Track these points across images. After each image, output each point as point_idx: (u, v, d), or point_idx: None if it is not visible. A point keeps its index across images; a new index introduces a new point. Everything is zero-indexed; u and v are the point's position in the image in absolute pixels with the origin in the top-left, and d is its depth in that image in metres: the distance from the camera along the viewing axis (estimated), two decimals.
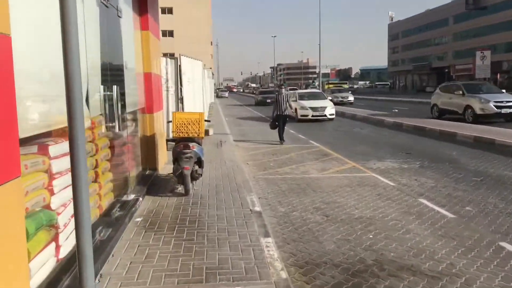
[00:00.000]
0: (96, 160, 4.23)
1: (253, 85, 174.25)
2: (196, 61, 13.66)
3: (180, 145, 6.55)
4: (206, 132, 14.39)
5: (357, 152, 11.97)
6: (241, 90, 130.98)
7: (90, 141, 4.05)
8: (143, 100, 7.46)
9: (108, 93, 4.77)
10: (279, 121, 13.55)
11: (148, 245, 4.45)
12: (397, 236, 5.27)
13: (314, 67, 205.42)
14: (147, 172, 7.55)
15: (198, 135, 6.78)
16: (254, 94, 46.29)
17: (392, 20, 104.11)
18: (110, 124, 4.80)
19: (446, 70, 76.51)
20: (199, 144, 6.96)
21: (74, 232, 2.49)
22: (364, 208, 6.48)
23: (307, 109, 21.41)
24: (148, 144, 7.70)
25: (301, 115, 21.47)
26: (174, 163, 6.70)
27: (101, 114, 4.63)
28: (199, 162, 6.76)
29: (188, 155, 6.42)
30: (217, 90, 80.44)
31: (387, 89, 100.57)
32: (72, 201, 2.69)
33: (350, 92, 41.80)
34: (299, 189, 7.72)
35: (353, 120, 22.64)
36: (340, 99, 37.00)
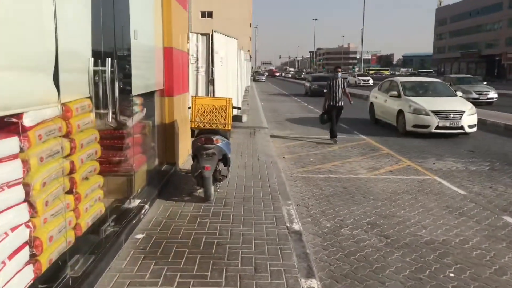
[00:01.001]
0: (72, 161, 2.99)
1: (291, 69, 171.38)
2: (231, 39, 12.33)
3: (201, 138, 5.22)
4: (239, 119, 13.11)
5: (409, 147, 10.37)
6: (282, 75, 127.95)
7: (60, 136, 2.81)
8: (161, 81, 6.20)
9: (103, 68, 3.52)
10: (331, 114, 10.66)
11: (143, 283, 3.19)
12: (490, 277, 3.81)
13: (355, 53, 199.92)
14: (164, 168, 6.32)
15: (224, 126, 5.44)
16: (305, 80, 38.87)
17: (440, 4, 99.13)
18: (102, 111, 3.55)
19: (497, 58, 72.14)
20: (226, 137, 5.62)
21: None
22: (433, 227, 5.01)
23: (427, 115, 11.77)
24: (167, 134, 6.48)
25: (415, 125, 11.93)
26: (193, 160, 5.44)
27: (89, 97, 3.39)
28: (225, 160, 5.44)
29: (211, 151, 5.11)
30: (254, 74, 79.33)
31: (431, 77, 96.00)
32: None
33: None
34: (346, 194, 6.30)
35: None
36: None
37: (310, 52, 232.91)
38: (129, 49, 4.46)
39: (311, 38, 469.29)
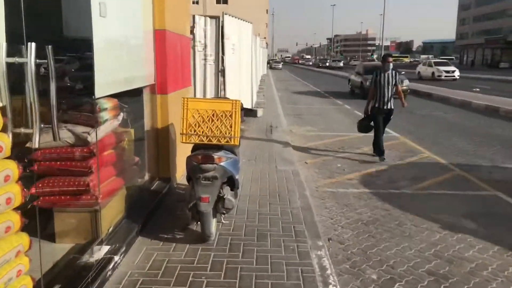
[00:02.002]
0: None
1: (308, 56, 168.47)
2: (245, 23, 10.86)
3: (197, 155, 3.81)
4: (254, 114, 11.67)
5: (453, 148, 8.82)
6: (298, 62, 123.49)
7: None
8: (151, 74, 4.80)
9: (20, 60, 2.14)
10: (376, 120, 7.98)
11: None
12: None
13: (374, 39, 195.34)
14: (155, 186, 4.94)
15: (229, 140, 4.01)
16: (354, 73, 22.74)
17: None
18: (24, 130, 2.18)
19: None
20: (233, 152, 4.18)
21: None
22: None
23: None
24: (160, 141, 5.09)
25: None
26: (188, 182, 4.05)
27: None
28: (231, 183, 4.02)
29: (210, 174, 3.67)
30: (271, 61, 77.70)
31: (455, 63, 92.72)
32: None
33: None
34: (391, 221, 4.85)
35: (429, 100, 19.01)
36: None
37: (327, 39, 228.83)
38: (89, 31, 3.05)
39: (328, 25, 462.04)
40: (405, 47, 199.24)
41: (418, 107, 16.29)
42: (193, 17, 8.90)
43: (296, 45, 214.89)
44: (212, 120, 3.89)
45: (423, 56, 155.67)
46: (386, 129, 10.96)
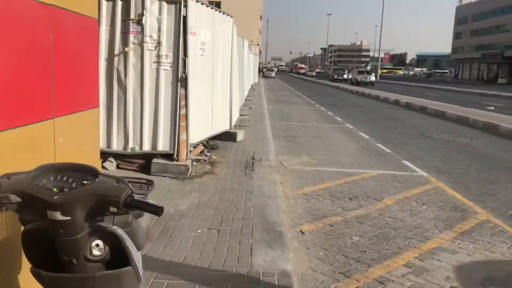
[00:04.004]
0: None
1: (302, 65, 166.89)
2: (223, 15, 8.01)
3: None
4: (233, 137, 8.80)
5: (509, 198, 6.06)
6: (303, 72, 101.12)
7: None
8: None
9: None
10: None
11: None
12: None
13: (368, 50, 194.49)
14: None
15: None
16: None
17: (461, 2, 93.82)
18: None
19: None
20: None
21: None
22: None
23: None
24: None
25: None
26: None
27: None
28: None
29: None
30: (264, 69, 75.24)
31: (449, 77, 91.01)
32: None
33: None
34: None
35: (444, 121, 16.30)
36: None
37: (321, 49, 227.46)
38: None
39: (322, 35, 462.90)
40: (398, 59, 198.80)
41: (433, 129, 13.56)
42: None
43: (290, 53, 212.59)
44: None
45: (417, 69, 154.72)
46: (406, 163, 8.25)
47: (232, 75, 8.97)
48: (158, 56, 6.28)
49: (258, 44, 71.04)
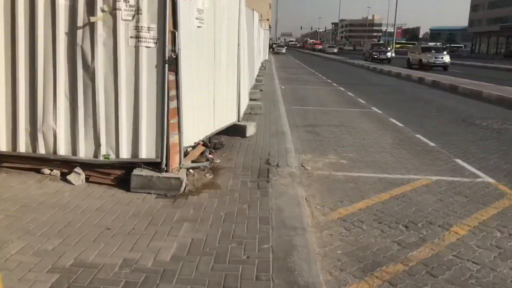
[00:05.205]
0: None
1: (312, 41, 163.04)
2: None
3: None
4: (242, 131, 7.09)
5: None
6: (319, 48, 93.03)
7: None
8: None
9: None
10: None
11: None
12: None
13: (380, 25, 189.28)
14: None
15: None
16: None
17: None
18: None
19: None
20: None
21: None
22: None
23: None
24: None
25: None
26: None
27: None
28: None
29: None
30: (274, 45, 72.98)
31: (465, 52, 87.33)
32: None
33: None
34: None
35: (481, 102, 14.38)
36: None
37: (332, 24, 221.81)
38: None
39: (333, 9, 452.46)
40: (411, 34, 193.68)
41: (473, 113, 11.69)
42: None
43: (301, 28, 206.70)
44: None
45: (431, 44, 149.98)
46: (461, 163, 6.52)
47: (240, 53, 7.19)
48: (137, 28, 4.53)
49: (268, 19, 68.44)
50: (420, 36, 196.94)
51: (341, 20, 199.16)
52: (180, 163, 4.83)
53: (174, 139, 4.74)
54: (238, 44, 7.09)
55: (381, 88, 18.47)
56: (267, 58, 34.19)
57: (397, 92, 17.01)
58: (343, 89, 17.45)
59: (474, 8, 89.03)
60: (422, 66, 30.21)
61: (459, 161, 6.75)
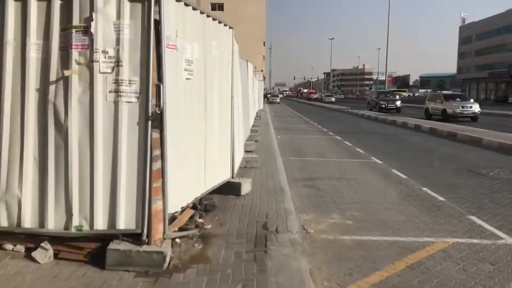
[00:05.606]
0: None
1: (305, 90, 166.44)
2: (217, 24, 5.76)
3: None
4: (236, 189, 6.50)
5: None
6: (314, 97, 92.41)
7: None
8: None
9: None
10: None
11: None
12: None
13: (370, 73, 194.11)
14: None
15: None
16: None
17: (464, 22, 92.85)
18: None
19: None
20: None
21: None
22: None
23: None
24: None
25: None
26: None
27: None
28: None
29: None
30: (268, 95, 73.98)
31: None
32: None
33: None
34: None
35: (483, 149, 13.94)
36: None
37: (324, 73, 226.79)
38: None
39: (325, 59, 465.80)
40: (401, 82, 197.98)
41: (478, 162, 11.20)
42: None
43: (294, 78, 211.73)
44: None
45: (421, 90, 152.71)
46: (477, 221, 5.93)
47: (234, 104, 6.73)
48: (117, 82, 4.05)
49: (262, 70, 69.67)
50: (411, 83, 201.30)
51: (333, 70, 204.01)
52: (164, 233, 4.20)
53: (157, 205, 4.14)
54: (232, 96, 6.64)
55: (378, 136, 18.09)
56: (262, 108, 34.18)
57: (394, 140, 16.61)
58: (339, 138, 17.04)
59: (461, 56, 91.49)
60: (447, 117, 25.29)
61: (474, 218, 6.15)
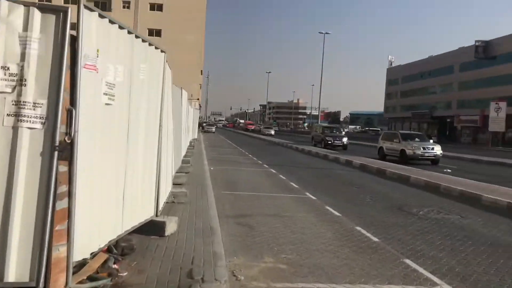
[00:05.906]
0: None
1: (242, 121, 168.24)
2: (149, 46, 5.27)
3: None
4: (160, 228, 5.87)
5: None
6: (252, 128, 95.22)
7: None
8: None
9: None
10: None
11: None
12: None
13: (304, 108, 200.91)
14: None
15: None
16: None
17: (391, 64, 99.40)
18: None
19: (448, 120, 71.25)
20: None
21: None
22: None
23: None
24: None
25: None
26: None
27: None
28: None
29: None
30: (204, 124, 73.69)
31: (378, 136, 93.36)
32: None
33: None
34: None
35: (410, 187, 14.32)
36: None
37: (260, 105, 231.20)
38: None
39: (261, 91, 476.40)
40: (333, 117, 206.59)
41: (407, 200, 11.39)
42: None
43: (231, 109, 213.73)
44: None
45: (351, 126, 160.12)
46: (417, 268, 5.76)
47: (162, 134, 6.18)
48: (19, 104, 3.41)
49: (198, 99, 69.18)
50: (341, 119, 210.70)
51: (269, 102, 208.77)
52: (66, 285, 3.51)
53: (59, 252, 3.46)
54: (160, 125, 6.10)
55: (311, 171, 18.16)
56: (196, 137, 33.52)
57: (327, 175, 16.72)
58: (274, 171, 16.86)
59: (388, 96, 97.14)
60: (406, 159, 23.10)
61: (408, 261, 5.99)
